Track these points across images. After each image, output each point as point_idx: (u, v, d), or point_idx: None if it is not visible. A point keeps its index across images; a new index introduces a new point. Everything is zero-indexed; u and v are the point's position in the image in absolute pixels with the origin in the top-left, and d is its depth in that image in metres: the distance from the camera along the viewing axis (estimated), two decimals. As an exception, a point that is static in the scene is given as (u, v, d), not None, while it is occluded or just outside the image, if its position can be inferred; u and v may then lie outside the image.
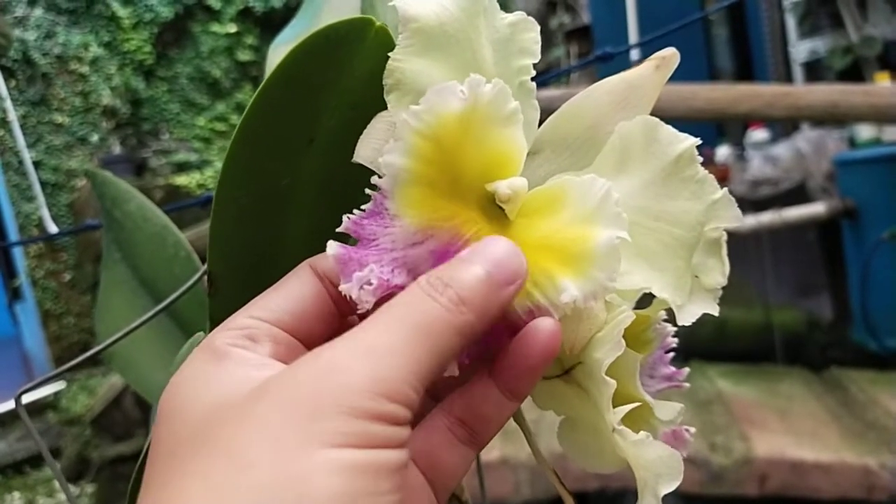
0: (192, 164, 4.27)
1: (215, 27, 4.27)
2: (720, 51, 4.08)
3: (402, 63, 0.23)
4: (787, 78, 3.35)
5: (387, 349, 0.19)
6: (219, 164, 4.13)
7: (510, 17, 0.25)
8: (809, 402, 1.97)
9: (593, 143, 0.26)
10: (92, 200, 3.73)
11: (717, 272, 0.25)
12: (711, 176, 0.23)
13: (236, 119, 4.34)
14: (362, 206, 0.22)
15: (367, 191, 0.22)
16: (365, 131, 0.25)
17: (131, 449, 3.08)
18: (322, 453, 0.18)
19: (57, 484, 2.92)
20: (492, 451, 1.77)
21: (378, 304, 0.21)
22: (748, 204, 2.72)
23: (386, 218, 0.22)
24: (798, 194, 2.71)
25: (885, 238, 2.29)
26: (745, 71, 3.80)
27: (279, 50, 0.40)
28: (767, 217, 2.55)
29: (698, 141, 0.23)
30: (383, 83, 0.23)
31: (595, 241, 0.21)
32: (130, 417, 3.25)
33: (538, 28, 0.25)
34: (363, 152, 0.25)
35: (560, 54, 4.23)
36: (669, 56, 0.26)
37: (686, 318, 0.24)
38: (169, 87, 4.29)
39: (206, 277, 0.50)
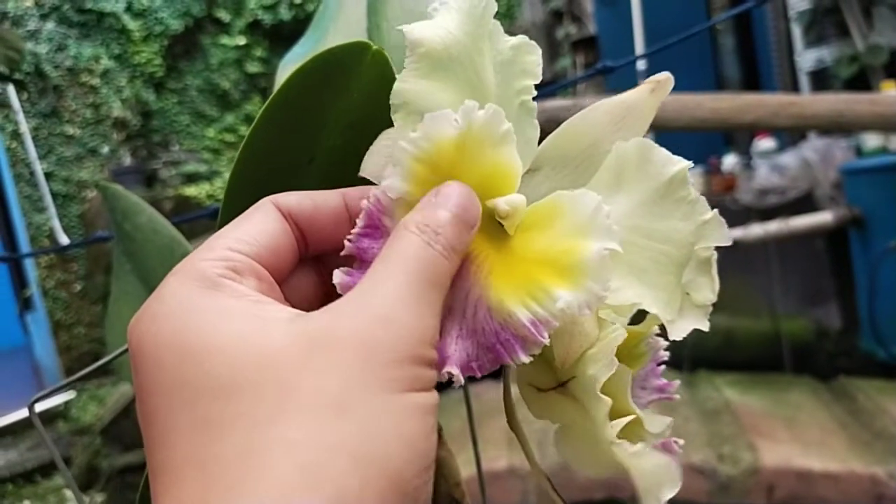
0: (202, 174, 4.30)
1: (224, 39, 4.31)
2: (727, 60, 4.09)
3: (409, 84, 0.24)
4: (794, 87, 3.35)
5: (416, 299, 0.21)
6: (228, 175, 4.17)
7: (513, 41, 0.26)
8: (817, 411, 1.97)
9: (592, 162, 0.27)
10: (103, 211, 3.76)
11: (708, 289, 0.26)
12: (703, 198, 0.24)
13: (245, 130, 4.37)
14: (357, 222, 0.23)
15: (363, 203, 0.23)
16: (371, 148, 0.26)
17: (140, 458, 3.08)
18: (402, 398, 0.20)
19: (67, 493, 2.94)
20: (499, 461, 1.77)
21: None
22: (755, 213, 2.72)
23: (384, 236, 0.23)
24: (805, 203, 2.71)
25: (893, 247, 2.29)
26: (752, 80, 3.81)
27: (287, 69, 0.42)
28: (774, 226, 2.55)
29: (690, 164, 0.24)
30: (390, 103, 0.24)
31: (586, 253, 0.22)
32: (140, 427, 3.25)
33: (539, 51, 0.26)
34: (369, 167, 0.26)
35: (567, 64, 4.25)
36: (664, 80, 0.28)
37: (677, 333, 0.25)
38: (179, 98, 4.33)
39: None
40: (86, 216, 4.04)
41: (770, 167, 2.84)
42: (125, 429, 3.16)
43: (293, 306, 0.23)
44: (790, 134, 3.19)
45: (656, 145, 0.25)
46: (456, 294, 0.23)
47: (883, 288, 2.35)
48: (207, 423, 0.19)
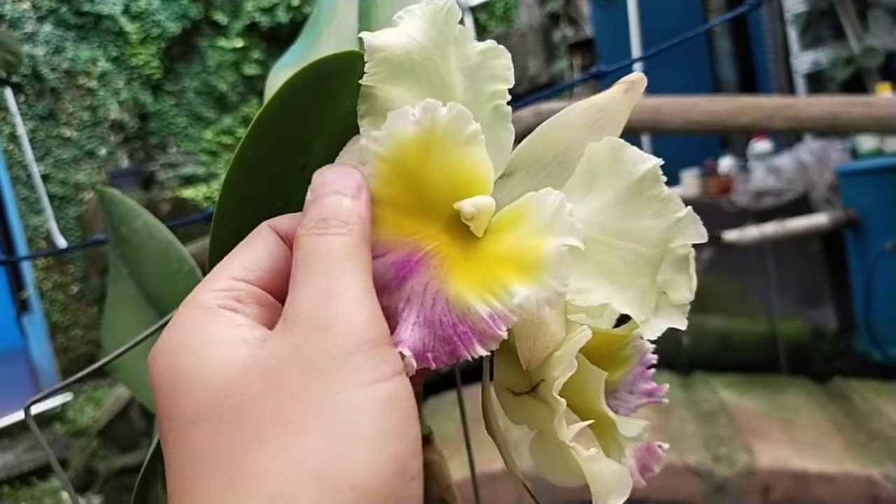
0: (199, 176, 4.31)
1: (222, 42, 4.32)
2: (723, 62, 4.10)
3: (372, 90, 0.25)
4: (790, 89, 3.36)
5: (340, 288, 0.21)
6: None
7: (481, 46, 0.26)
8: (813, 412, 1.97)
9: (567, 165, 0.27)
10: (100, 213, 3.76)
11: (685, 288, 0.26)
12: (676, 194, 0.24)
13: (243, 132, 4.37)
14: None
15: None
16: (341, 153, 0.26)
17: (137, 460, 3.09)
18: (357, 396, 0.20)
19: (64, 495, 2.93)
20: (494, 462, 1.78)
21: None
22: (751, 215, 2.73)
23: None
24: (801, 205, 2.72)
25: (889, 248, 2.29)
26: (748, 82, 3.81)
27: (279, 75, 0.42)
28: (771, 228, 2.55)
29: (661, 161, 0.24)
30: (356, 109, 0.25)
31: (545, 249, 0.22)
32: (136, 429, 3.26)
33: (509, 56, 0.27)
34: None
35: (563, 66, 4.26)
36: (637, 80, 0.28)
37: (651, 333, 0.25)
38: (176, 101, 4.34)
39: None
40: (83, 218, 4.04)
41: (766, 169, 2.85)
42: (122, 431, 3.16)
43: None
44: (786, 136, 3.19)
45: (627, 144, 0.25)
46: (414, 286, 0.23)
47: (879, 290, 2.36)
48: (194, 457, 0.20)
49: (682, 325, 0.25)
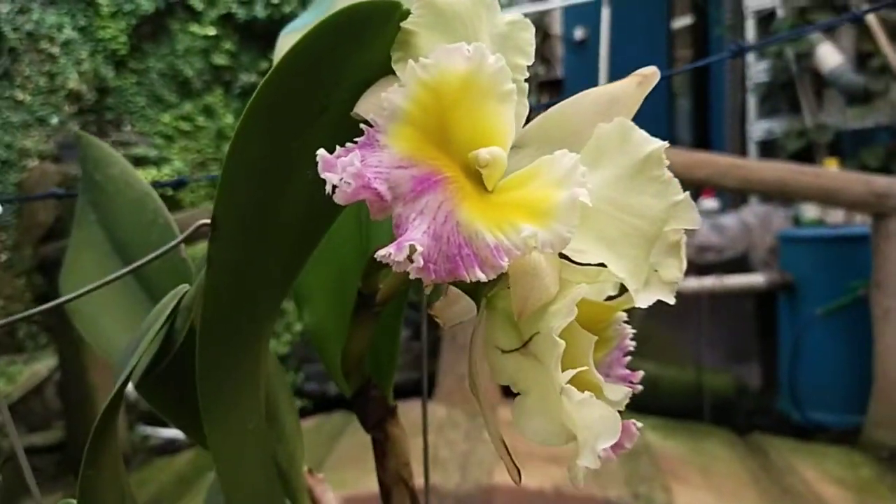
0: (151, 159, 4.21)
1: (194, 27, 4.26)
2: (681, 121, 4.24)
3: (411, 36, 0.26)
4: (743, 153, 3.50)
5: None
6: (178, 164, 4.09)
7: (509, 16, 0.28)
8: (732, 462, 2.03)
9: (575, 147, 0.29)
10: (42, 182, 3.64)
11: (675, 269, 0.27)
12: (676, 179, 0.26)
13: (203, 121, 4.30)
14: (355, 140, 0.24)
15: (362, 126, 0.24)
16: (369, 90, 0.27)
17: (46, 440, 2.97)
18: None
19: (-37, 468, 2.79)
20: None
21: (355, 198, 0.23)
22: (693, 267, 2.82)
23: (376, 148, 0.24)
24: (740, 264, 2.82)
25: (819, 314, 2.40)
26: (703, 143, 3.95)
27: (290, 37, 0.43)
28: (710, 281, 2.64)
29: (666, 144, 0.26)
30: (391, 52, 0.26)
31: (557, 198, 0.23)
32: (51, 409, 3.14)
33: (533, 29, 0.28)
34: (363, 107, 0.27)
35: (532, 103, 4.33)
36: (651, 74, 0.29)
37: (643, 301, 0.26)
38: (139, 79, 4.24)
39: (182, 245, 0.51)
40: (23, 185, 3.89)
41: (711, 226, 2.96)
42: (34, 408, 3.04)
43: None
44: (733, 197, 3.32)
45: (635, 126, 0.27)
46: (429, 201, 0.23)
47: (805, 354, 2.45)
48: None
49: (671, 300, 0.27)
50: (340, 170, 0.23)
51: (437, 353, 2.44)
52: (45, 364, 3.30)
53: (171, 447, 2.81)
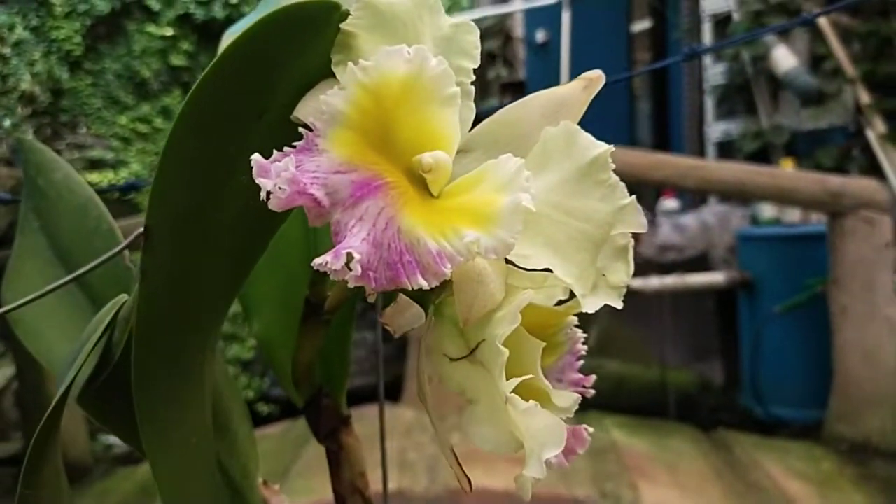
0: (107, 162, 4.12)
1: (151, 28, 4.18)
2: (641, 124, 4.30)
3: (352, 38, 0.25)
4: (701, 154, 3.55)
5: None
6: (135, 167, 4.01)
7: (453, 19, 0.27)
8: (697, 459, 2.06)
9: (522, 150, 0.28)
10: (-6, 187, 3.55)
11: (623, 273, 0.27)
12: (622, 183, 0.26)
13: (160, 122, 4.23)
14: (293, 144, 0.23)
15: (301, 130, 0.23)
16: (309, 93, 0.26)
17: (5, 452, 2.89)
18: None
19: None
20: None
21: (290, 204, 0.22)
22: (655, 266, 2.85)
23: (315, 153, 0.23)
24: (701, 262, 2.87)
25: (777, 311, 2.44)
26: (663, 144, 4.01)
27: (232, 37, 0.42)
28: (671, 280, 2.67)
29: (612, 148, 0.26)
30: (331, 56, 0.25)
31: (500, 203, 0.23)
32: (7, 419, 3.05)
33: (478, 32, 0.28)
34: (303, 110, 0.26)
35: (494, 105, 4.35)
36: (596, 77, 0.29)
37: (590, 306, 0.26)
38: (94, 80, 4.16)
39: (125, 252, 0.49)
40: (-25, 190, 3.79)
41: (672, 226, 2.99)
42: (-11, 418, 2.95)
43: None
44: (693, 197, 3.37)
45: (581, 130, 0.26)
46: (369, 207, 0.23)
47: (765, 350, 2.49)
48: None
49: (618, 305, 0.26)
50: (275, 175, 0.22)
51: (405, 357, 2.43)
52: (2, 374, 3.22)
53: (134, 457, 2.75)
